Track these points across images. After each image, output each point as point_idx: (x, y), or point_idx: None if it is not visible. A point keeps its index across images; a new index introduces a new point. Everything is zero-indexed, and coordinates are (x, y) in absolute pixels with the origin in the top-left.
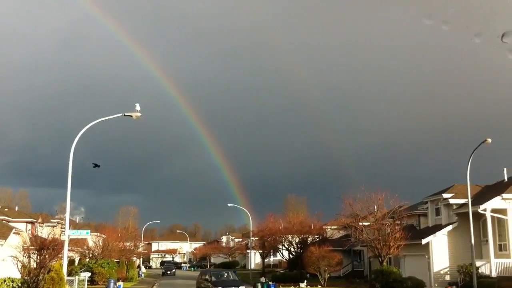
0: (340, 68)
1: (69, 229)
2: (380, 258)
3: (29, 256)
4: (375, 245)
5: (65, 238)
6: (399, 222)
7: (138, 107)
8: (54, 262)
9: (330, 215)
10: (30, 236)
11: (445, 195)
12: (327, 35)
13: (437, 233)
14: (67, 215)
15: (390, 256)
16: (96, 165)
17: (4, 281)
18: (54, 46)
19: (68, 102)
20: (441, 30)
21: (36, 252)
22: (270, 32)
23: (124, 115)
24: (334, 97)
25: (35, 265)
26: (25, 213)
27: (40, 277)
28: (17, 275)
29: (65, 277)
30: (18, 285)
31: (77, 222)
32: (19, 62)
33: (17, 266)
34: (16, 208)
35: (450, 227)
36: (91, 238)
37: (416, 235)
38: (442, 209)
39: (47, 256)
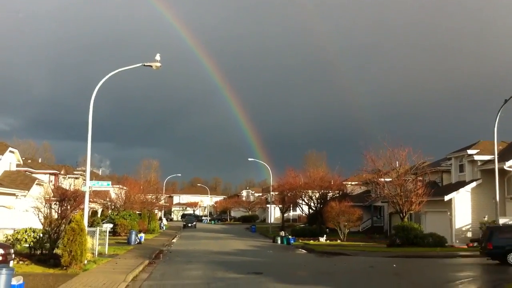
0: (359, 26)
1: (91, 180)
2: (401, 214)
3: (51, 207)
4: (397, 201)
5: (86, 189)
6: (421, 178)
7: (158, 57)
8: (76, 213)
9: (350, 171)
10: (53, 187)
11: (470, 151)
12: None
13: (461, 189)
14: (88, 166)
15: (412, 212)
16: None
17: (26, 231)
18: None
19: (93, 56)
20: None
21: (57, 203)
22: None
23: (144, 65)
24: (354, 55)
25: (56, 216)
26: (48, 165)
27: (62, 228)
28: (39, 225)
29: (86, 228)
30: (39, 236)
31: (100, 174)
32: (43, 16)
33: (39, 216)
34: (40, 160)
35: (474, 184)
36: (113, 190)
37: (438, 191)
38: (466, 165)
39: (68, 207)
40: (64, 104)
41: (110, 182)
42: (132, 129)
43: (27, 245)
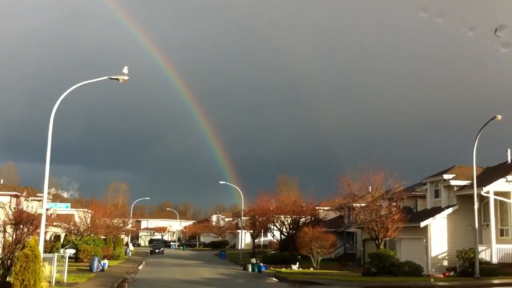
0: (335, 51)
1: (51, 202)
2: (377, 241)
3: (4, 231)
4: (372, 227)
5: (42, 211)
6: (397, 203)
7: (125, 70)
8: (31, 238)
9: (322, 196)
10: (14, 209)
11: (446, 176)
12: (323, 16)
13: (437, 215)
14: (45, 187)
15: (387, 238)
16: None
17: None
18: (55, 19)
19: (66, 77)
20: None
21: (12, 226)
22: (267, 12)
23: (110, 78)
24: (329, 79)
25: (11, 241)
26: (10, 186)
27: (16, 254)
28: None
29: (42, 254)
30: None
31: (66, 197)
32: (16, 36)
33: None
34: (1, 181)
35: (450, 210)
36: (77, 214)
37: (413, 217)
38: (442, 190)
39: (24, 231)
40: (34, 126)
41: (69, 204)
42: (102, 152)
43: None
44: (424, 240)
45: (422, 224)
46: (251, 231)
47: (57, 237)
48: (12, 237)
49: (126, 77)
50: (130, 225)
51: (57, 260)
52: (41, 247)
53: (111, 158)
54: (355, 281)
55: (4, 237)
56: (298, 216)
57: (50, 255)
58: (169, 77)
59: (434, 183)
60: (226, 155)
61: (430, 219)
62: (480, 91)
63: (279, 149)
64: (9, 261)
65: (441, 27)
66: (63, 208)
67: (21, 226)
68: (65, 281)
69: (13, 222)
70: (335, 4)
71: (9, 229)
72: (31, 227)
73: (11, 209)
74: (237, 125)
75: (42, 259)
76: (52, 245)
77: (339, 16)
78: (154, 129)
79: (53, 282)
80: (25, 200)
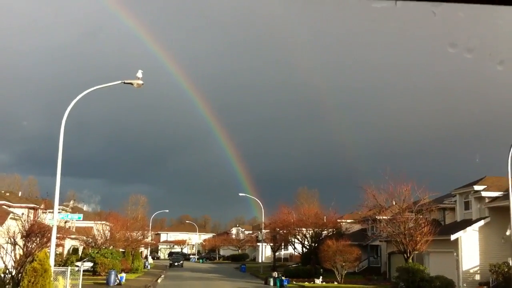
0: (353, 64)
1: (63, 213)
2: (405, 255)
3: (15, 243)
4: (400, 240)
5: (53, 222)
6: (426, 216)
7: (140, 74)
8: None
9: (344, 208)
10: (32, 222)
11: (476, 187)
12: (338, 32)
13: (468, 228)
14: (56, 197)
15: (416, 252)
16: None
17: None
18: (77, 36)
19: (88, 96)
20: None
21: (23, 239)
22: (280, 28)
23: (124, 82)
24: (348, 92)
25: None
26: (28, 198)
27: (27, 267)
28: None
29: (52, 268)
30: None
31: (85, 210)
32: (40, 51)
33: (0, 254)
34: (20, 194)
35: (481, 222)
36: (95, 227)
37: (442, 230)
38: (473, 202)
39: (34, 244)
40: (54, 140)
41: (81, 215)
42: (124, 166)
43: None
44: (455, 254)
45: (453, 237)
46: (271, 244)
47: (75, 250)
48: (23, 250)
49: (140, 82)
50: (149, 238)
51: (72, 274)
52: (51, 261)
53: (132, 171)
54: None
55: (14, 249)
56: (320, 229)
57: (63, 268)
58: (188, 92)
59: (464, 195)
60: (245, 169)
61: (461, 232)
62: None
63: (298, 163)
64: (19, 275)
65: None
66: (75, 220)
67: (32, 238)
68: None
69: (24, 234)
70: (355, 21)
71: (21, 242)
72: (43, 239)
73: (27, 222)
74: (256, 140)
75: (52, 273)
76: (66, 258)
77: (359, 32)
78: (174, 143)
79: None
80: (43, 212)
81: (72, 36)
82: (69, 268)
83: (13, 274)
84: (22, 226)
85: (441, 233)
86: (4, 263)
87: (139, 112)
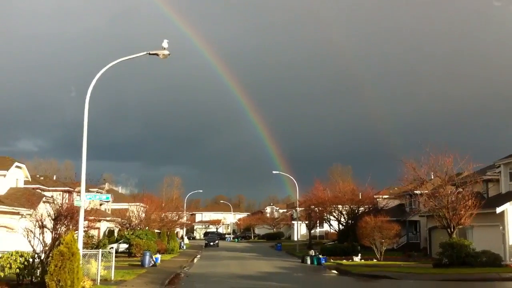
0: (383, 34)
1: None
2: (449, 230)
3: (43, 226)
4: (443, 214)
5: (81, 204)
6: (466, 188)
7: (165, 44)
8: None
9: (379, 185)
10: (67, 204)
11: None
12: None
13: None
14: (83, 176)
15: (461, 226)
16: None
17: (11, 255)
18: (108, 19)
19: (123, 79)
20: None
21: (52, 221)
22: (313, 2)
23: (149, 53)
24: (379, 63)
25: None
26: (62, 182)
27: (54, 251)
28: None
29: (80, 251)
30: (27, 261)
31: (120, 192)
32: (77, 36)
33: (28, 238)
34: (54, 177)
35: None
36: (130, 208)
37: (486, 203)
38: None
39: (64, 227)
40: (92, 126)
41: (109, 195)
42: (159, 148)
43: (14, 272)
44: (501, 228)
45: (498, 210)
46: (306, 222)
47: (111, 232)
48: (52, 233)
49: (166, 52)
50: (184, 218)
51: (105, 256)
52: (80, 244)
53: (166, 153)
54: (427, 273)
55: (42, 233)
56: (356, 205)
57: (94, 251)
58: (219, 73)
59: (509, 165)
60: (278, 147)
61: (507, 204)
62: None
63: (331, 139)
64: (48, 259)
65: None
66: (104, 200)
67: (61, 221)
68: (112, 278)
69: (52, 217)
70: None
71: (50, 225)
72: (72, 221)
73: (58, 205)
74: (288, 117)
75: (80, 257)
76: (99, 241)
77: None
78: (206, 124)
79: (98, 281)
80: (77, 195)
81: (105, 19)
82: (101, 250)
83: (42, 258)
84: (54, 209)
85: (485, 206)
86: (32, 247)
87: (172, 94)
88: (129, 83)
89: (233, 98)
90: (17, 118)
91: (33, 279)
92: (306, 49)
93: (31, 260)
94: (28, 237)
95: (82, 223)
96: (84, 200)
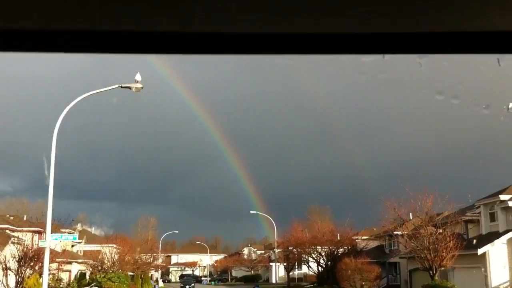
0: (362, 88)
1: (59, 234)
2: (431, 271)
3: (6, 269)
4: (425, 256)
5: (46, 245)
6: (447, 229)
7: (138, 77)
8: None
9: (358, 226)
10: (36, 246)
11: (502, 197)
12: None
13: (495, 241)
14: (49, 216)
15: (443, 268)
16: None
17: None
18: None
19: (99, 119)
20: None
21: (16, 264)
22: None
23: (121, 86)
24: (359, 117)
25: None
26: (33, 222)
27: None
28: None
29: None
30: None
31: (94, 233)
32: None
33: None
34: (25, 218)
35: (510, 234)
36: (103, 250)
37: (467, 244)
38: (499, 213)
39: (29, 269)
40: (67, 165)
41: (76, 236)
42: (136, 190)
43: None
44: (483, 269)
45: (480, 251)
46: (284, 264)
47: (83, 275)
48: (16, 276)
49: (139, 85)
50: (160, 260)
51: None
52: (44, 287)
53: (143, 195)
54: None
55: (5, 275)
56: (335, 247)
57: None
58: (200, 119)
59: (488, 206)
60: (256, 189)
61: (489, 245)
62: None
63: (309, 184)
64: None
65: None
66: (71, 240)
67: (26, 263)
68: None
69: (17, 259)
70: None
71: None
72: (37, 264)
73: (26, 247)
74: (267, 165)
75: None
76: (67, 284)
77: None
78: (184, 167)
79: None
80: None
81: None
82: None
83: None
84: (21, 251)
85: (466, 248)
86: None
87: (150, 139)
88: (105, 126)
89: (213, 145)
90: None
91: None
92: (288, 100)
93: None
94: None
95: (47, 265)
96: (50, 240)
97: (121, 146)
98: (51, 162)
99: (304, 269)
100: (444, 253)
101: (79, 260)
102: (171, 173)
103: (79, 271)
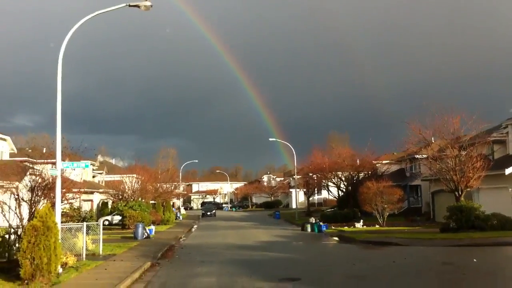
0: (378, 4)
1: (70, 162)
2: (456, 193)
3: (19, 199)
4: (450, 177)
5: (57, 172)
6: (470, 150)
7: None
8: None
9: (377, 150)
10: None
11: None
12: None
13: None
14: (58, 142)
15: (469, 189)
16: None
17: None
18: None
19: (117, 51)
20: None
21: (29, 193)
22: None
23: (129, 5)
24: (376, 33)
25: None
26: (52, 154)
27: (26, 226)
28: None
29: (59, 225)
30: (3, 237)
31: (115, 164)
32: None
33: (2, 212)
34: (44, 150)
35: None
36: (124, 180)
37: (493, 165)
38: None
39: (43, 198)
40: (88, 99)
41: (88, 163)
42: (155, 121)
43: None
44: (510, 190)
45: (507, 171)
46: (304, 190)
47: (105, 204)
48: (29, 206)
49: (148, 3)
50: (181, 188)
51: (93, 230)
52: (57, 217)
53: (163, 126)
54: (436, 239)
55: (18, 206)
56: (356, 172)
57: (78, 224)
58: (215, 46)
59: None
60: (274, 117)
61: None
62: None
63: (327, 107)
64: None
65: None
66: (82, 167)
67: (38, 192)
68: (101, 253)
69: (28, 188)
70: None
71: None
72: (48, 192)
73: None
74: (284, 88)
75: (59, 231)
76: (86, 213)
77: None
78: (203, 96)
79: (84, 256)
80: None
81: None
82: (85, 223)
83: (19, 233)
84: (34, 180)
85: (492, 168)
86: (8, 221)
87: (169, 67)
88: (123, 56)
89: (230, 71)
90: (12, 94)
91: (9, 257)
92: (304, 21)
93: (6, 236)
94: (2, 211)
95: (59, 194)
96: (60, 168)
97: (140, 78)
98: (58, 87)
99: (324, 194)
100: (470, 174)
101: (100, 190)
102: (190, 105)
103: (101, 201)
